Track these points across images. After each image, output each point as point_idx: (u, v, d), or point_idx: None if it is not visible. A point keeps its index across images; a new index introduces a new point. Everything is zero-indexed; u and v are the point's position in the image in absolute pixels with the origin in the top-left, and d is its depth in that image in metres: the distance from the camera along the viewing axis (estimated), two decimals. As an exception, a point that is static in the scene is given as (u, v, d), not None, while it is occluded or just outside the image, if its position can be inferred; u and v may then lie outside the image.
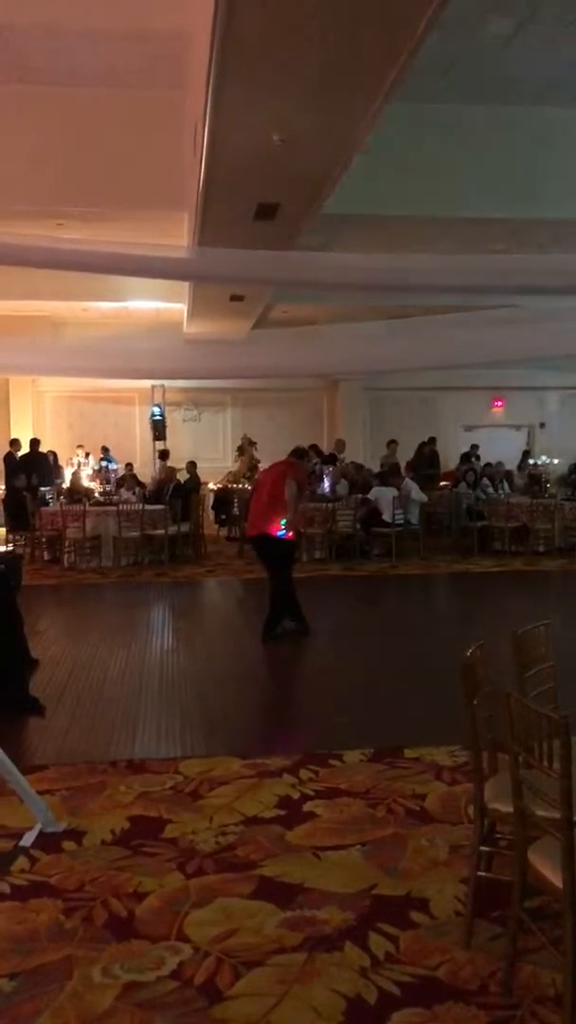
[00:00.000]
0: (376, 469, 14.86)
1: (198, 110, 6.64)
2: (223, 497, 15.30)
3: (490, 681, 3.07)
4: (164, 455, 15.78)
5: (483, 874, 3.09)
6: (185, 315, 14.13)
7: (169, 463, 15.05)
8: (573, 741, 2.36)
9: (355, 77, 5.53)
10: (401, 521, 12.43)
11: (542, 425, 19.25)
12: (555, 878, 2.42)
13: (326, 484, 13.43)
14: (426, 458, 16.22)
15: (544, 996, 2.66)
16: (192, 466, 14.67)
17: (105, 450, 16.73)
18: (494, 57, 8.16)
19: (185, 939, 2.99)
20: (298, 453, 8.42)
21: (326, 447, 18.52)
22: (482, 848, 3.06)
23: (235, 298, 12.52)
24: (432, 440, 16.73)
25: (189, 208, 9.12)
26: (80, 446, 16.85)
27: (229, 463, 17.29)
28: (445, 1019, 2.58)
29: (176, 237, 10.57)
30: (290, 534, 7.75)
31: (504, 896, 2.85)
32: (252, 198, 8.19)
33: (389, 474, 13.70)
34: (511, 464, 16.12)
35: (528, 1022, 2.56)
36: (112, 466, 15.96)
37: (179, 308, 14.28)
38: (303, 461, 8.42)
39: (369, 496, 12.74)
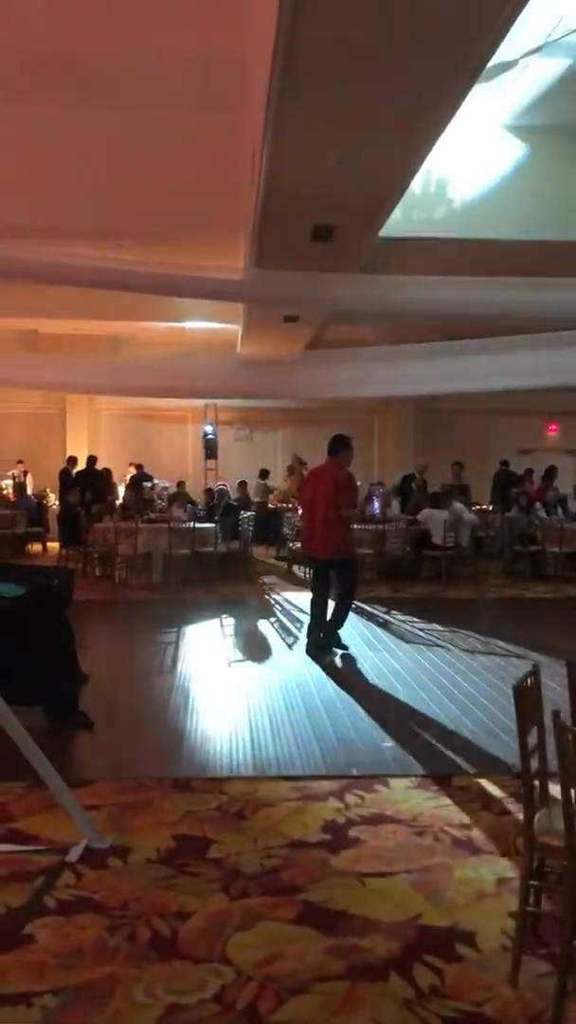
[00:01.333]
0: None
1: (256, 132, 6.71)
2: (267, 516, 15.32)
3: (543, 710, 3.02)
4: (264, 475, 16.13)
5: (532, 908, 3.03)
6: (239, 335, 14.26)
7: (220, 483, 15.15)
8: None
9: (416, 100, 5.54)
10: (452, 544, 12.33)
11: (599, 449, 18.97)
12: (608, 917, 2.36)
13: (376, 506, 13.39)
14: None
15: (594, 1038, 2.59)
16: (243, 485, 14.76)
17: (139, 467, 16.77)
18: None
19: (228, 962, 2.98)
20: (338, 444, 8.08)
21: (376, 468, 18.55)
22: (531, 882, 2.99)
23: (289, 319, 12.60)
24: (459, 464, 16.37)
25: (246, 230, 9.21)
26: (132, 464, 17.04)
27: (279, 482, 17.35)
28: (491, 1057, 2.52)
29: (233, 258, 10.69)
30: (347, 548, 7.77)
31: (553, 932, 2.79)
32: (309, 220, 8.25)
33: (442, 496, 13.60)
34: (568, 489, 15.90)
35: (577, 1065, 2.49)
36: (147, 484, 15.98)
37: (234, 328, 14.41)
38: (344, 455, 8.08)
39: (418, 518, 12.67)
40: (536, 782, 3.04)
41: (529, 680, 3.06)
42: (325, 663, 7.47)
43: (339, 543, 7.72)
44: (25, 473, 16.63)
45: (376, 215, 7.91)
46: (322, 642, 7.67)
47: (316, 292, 8.33)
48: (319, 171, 6.85)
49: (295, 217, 8.10)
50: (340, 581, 7.83)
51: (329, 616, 7.80)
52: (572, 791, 2.53)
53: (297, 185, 7.18)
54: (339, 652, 7.72)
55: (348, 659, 7.62)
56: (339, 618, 7.83)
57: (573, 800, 2.54)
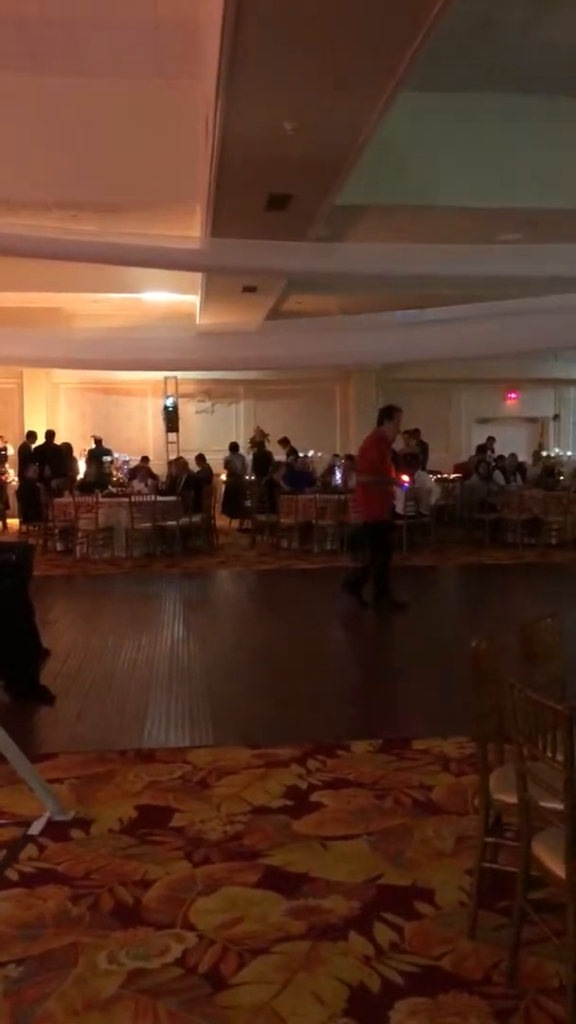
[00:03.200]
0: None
1: (209, 100, 6.62)
2: (234, 489, 15.30)
3: (498, 672, 3.06)
4: (234, 447, 16.13)
5: (488, 865, 3.09)
6: (198, 307, 14.13)
7: (182, 454, 15.08)
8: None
9: (367, 64, 5.50)
10: (413, 513, 12.41)
11: (556, 417, 19.17)
12: (559, 869, 2.41)
13: (338, 475, 13.42)
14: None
15: (548, 987, 2.66)
16: (201, 458, 14.69)
17: (98, 441, 16.62)
18: (509, 45, 8.08)
19: (191, 927, 3.01)
20: (381, 415, 8.52)
21: (338, 439, 18.57)
22: (487, 839, 3.05)
23: (248, 289, 12.52)
24: (408, 432, 16.35)
25: (201, 199, 9.11)
26: (93, 436, 16.89)
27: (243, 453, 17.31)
28: (448, 1008, 2.58)
29: (189, 228, 10.57)
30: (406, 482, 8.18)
31: (509, 887, 2.85)
32: (264, 188, 8.18)
33: (404, 464, 13.66)
34: (525, 457, 16.07)
35: (532, 1012, 2.56)
36: (107, 458, 15.86)
37: (192, 300, 14.28)
38: (386, 425, 8.46)
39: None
40: (491, 743, 3.10)
41: (483, 643, 3.10)
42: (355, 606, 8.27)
43: (365, 507, 8.34)
44: (5, 448, 16.43)
45: (331, 183, 7.87)
46: (380, 590, 8.30)
47: (273, 261, 8.25)
48: (272, 139, 6.79)
49: (250, 186, 8.02)
50: (369, 543, 8.47)
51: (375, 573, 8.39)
52: (523, 749, 2.58)
53: (251, 153, 7.11)
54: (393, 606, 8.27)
55: (313, 626, 7.68)
56: (365, 575, 8.42)
57: (524, 757, 2.59)
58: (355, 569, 8.81)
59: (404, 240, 11.27)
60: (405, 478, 8.44)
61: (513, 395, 19.60)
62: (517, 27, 7.71)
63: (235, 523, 15.15)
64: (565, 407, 19.50)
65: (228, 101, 6.18)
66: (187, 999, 2.62)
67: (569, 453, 17.28)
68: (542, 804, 2.54)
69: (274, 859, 3.49)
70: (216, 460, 16.22)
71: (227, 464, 16.36)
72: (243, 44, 5.27)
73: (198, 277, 12.38)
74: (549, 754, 2.45)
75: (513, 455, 15.35)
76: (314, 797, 4.08)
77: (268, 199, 8.44)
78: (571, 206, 9.82)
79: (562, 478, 14.91)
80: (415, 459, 14.16)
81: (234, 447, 16.82)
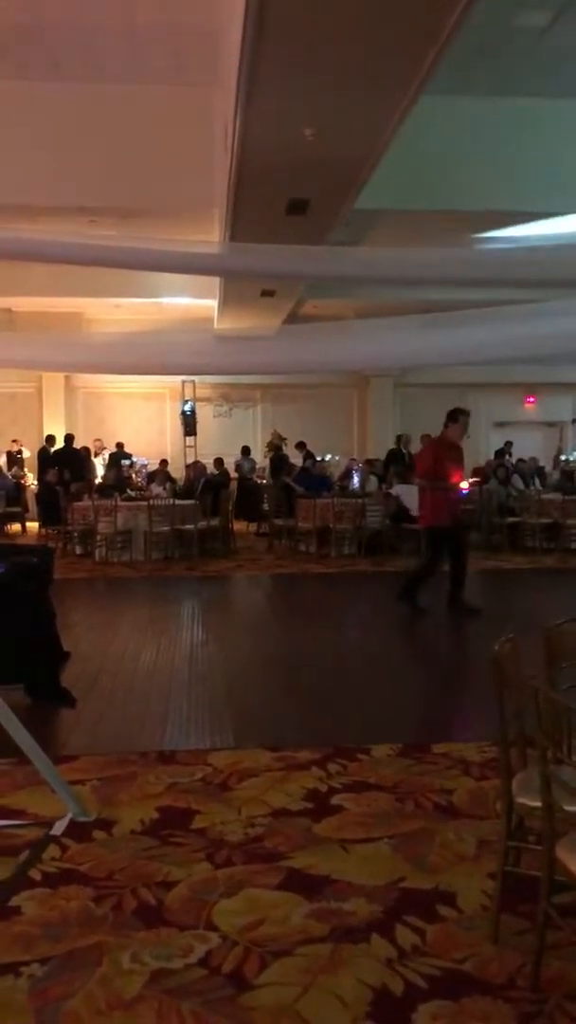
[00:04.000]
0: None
1: (229, 106, 6.66)
2: (249, 492, 15.31)
3: (520, 676, 3.06)
4: (246, 451, 16.15)
5: (511, 869, 3.08)
6: (216, 311, 14.18)
7: (199, 458, 15.13)
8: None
9: (387, 70, 5.52)
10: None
11: (574, 421, 19.08)
12: (583, 873, 2.41)
13: (355, 480, 13.43)
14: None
15: (573, 992, 2.65)
16: (219, 462, 14.72)
17: (119, 446, 16.69)
18: (527, 50, 8.09)
19: (213, 928, 3.02)
20: (447, 416, 8.31)
21: (356, 443, 18.57)
22: (509, 843, 3.05)
23: (266, 293, 12.56)
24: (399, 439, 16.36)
25: (220, 204, 9.15)
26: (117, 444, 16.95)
27: (260, 458, 17.33)
28: (472, 1012, 2.58)
29: (208, 233, 10.61)
30: (465, 488, 8.03)
31: (532, 891, 2.84)
32: (283, 193, 8.21)
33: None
34: (545, 461, 16.01)
35: (556, 1017, 2.55)
36: (125, 462, 15.91)
37: (210, 304, 14.33)
38: (451, 427, 8.26)
39: (392, 492, 12.72)
40: (513, 747, 3.09)
41: (505, 646, 3.10)
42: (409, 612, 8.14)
43: (425, 511, 8.26)
44: (20, 451, 16.54)
45: (350, 188, 7.89)
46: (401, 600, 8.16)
47: (291, 266, 8.27)
48: (292, 145, 6.82)
49: (269, 191, 8.06)
50: (426, 547, 8.41)
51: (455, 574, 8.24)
52: (547, 752, 2.57)
53: (270, 159, 7.15)
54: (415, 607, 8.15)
55: (331, 629, 7.68)
56: (415, 579, 8.28)
57: (548, 760, 2.58)
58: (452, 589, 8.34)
59: (423, 244, 11.29)
60: (465, 485, 8.18)
61: (531, 399, 19.53)
62: (540, 31, 7.71)
63: (252, 527, 15.17)
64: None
65: (247, 107, 6.22)
66: (211, 999, 2.62)
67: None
68: (566, 808, 2.54)
69: (295, 861, 3.49)
70: (233, 464, 16.29)
71: (237, 467, 16.41)
72: (263, 51, 5.31)
73: (216, 281, 12.43)
74: (574, 758, 2.45)
75: (533, 459, 15.30)
76: (335, 800, 4.08)
77: (288, 204, 8.47)
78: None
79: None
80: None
81: (245, 451, 16.85)
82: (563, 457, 17.01)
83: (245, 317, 14.04)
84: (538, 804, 2.72)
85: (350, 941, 2.94)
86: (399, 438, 16.01)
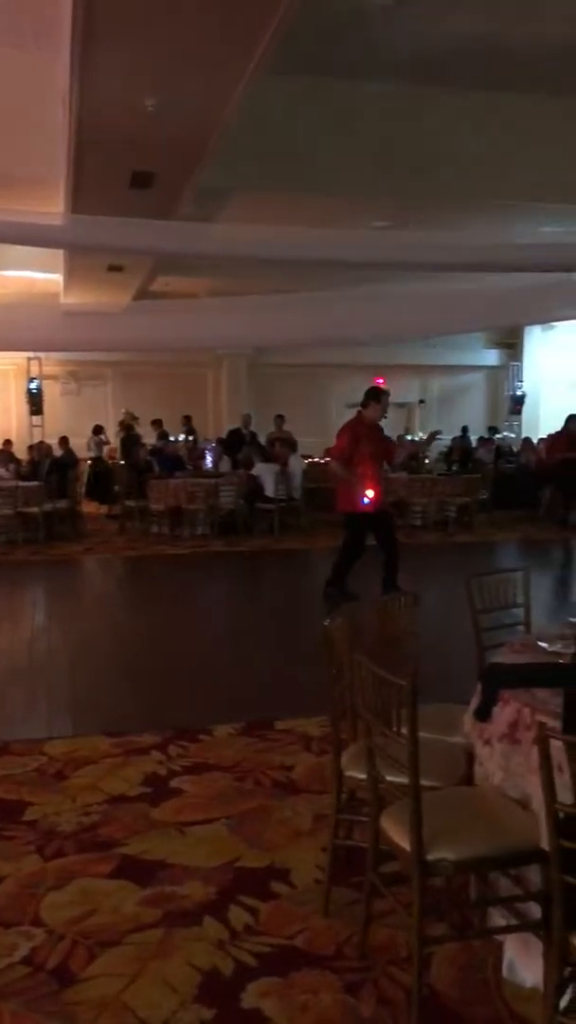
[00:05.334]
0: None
1: (64, 74, 6.39)
2: (102, 473, 14.95)
3: (349, 651, 3.09)
4: (98, 430, 15.68)
5: (342, 842, 3.13)
6: (62, 285, 13.70)
7: (47, 438, 14.64)
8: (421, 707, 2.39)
9: (226, 40, 5.42)
10: (284, 497, 12.48)
11: (421, 402, 19.62)
12: (404, 842, 2.45)
13: (209, 460, 13.36)
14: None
15: (397, 957, 2.71)
16: (65, 441, 14.29)
17: None
18: (378, 33, 8.13)
19: (40, 923, 2.92)
20: (367, 397, 7.77)
21: (211, 421, 18.47)
22: (341, 816, 3.09)
23: (113, 268, 12.22)
24: (281, 416, 16.28)
25: (63, 175, 8.81)
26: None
27: (111, 436, 16.93)
28: (300, 986, 2.60)
29: (53, 205, 10.20)
30: (368, 504, 7.57)
31: (363, 863, 2.89)
32: (126, 166, 7.97)
33: (281, 448, 13.70)
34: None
35: (381, 983, 2.61)
36: None
37: (56, 278, 13.83)
38: (368, 408, 7.70)
39: (253, 472, 12.73)
40: (344, 720, 3.13)
41: (336, 622, 3.12)
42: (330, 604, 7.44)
43: (341, 496, 7.82)
44: None
45: (195, 162, 7.74)
46: (330, 588, 7.79)
47: (137, 240, 8.09)
48: (133, 115, 6.61)
49: (112, 162, 7.81)
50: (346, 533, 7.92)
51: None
52: (371, 725, 2.60)
53: (111, 129, 6.91)
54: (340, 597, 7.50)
55: (180, 612, 7.58)
56: (337, 567, 7.92)
57: (373, 733, 2.62)
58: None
59: (275, 223, 11.28)
60: (370, 494, 7.58)
61: (380, 380, 19.94)
62: (386, 14, 7.77)
63: (104, 509, 14.83)
64: (430, 393, 20.01)
65: (84, 75, 5.98)
66: (32, 998, 2.53)
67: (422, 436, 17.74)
68: (389, 779, 2.59)
69: (130, 848, 3.43)
70: (84, 443, 15.83)
71: (89, 447, 16.01)
72: (97, 16, 5.10)
73: (60, 254, 11.99)
74: (395, 729, 2.49)
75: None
76: (174, 783, 4.04)
77: (131, 177, 8.24)
78: (439, 195, 10.03)
79: (427, 461, 15.30)
80: (291, 444, 14.25)
81: (97, 429, 16.44)
82: (409, 437, 17.47)
83: (93, 292, 13.62)
84: (364, 776, 2.76)
85: (182, 925, 2.91)
86: (246, 417, 15.95)
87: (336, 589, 7.85)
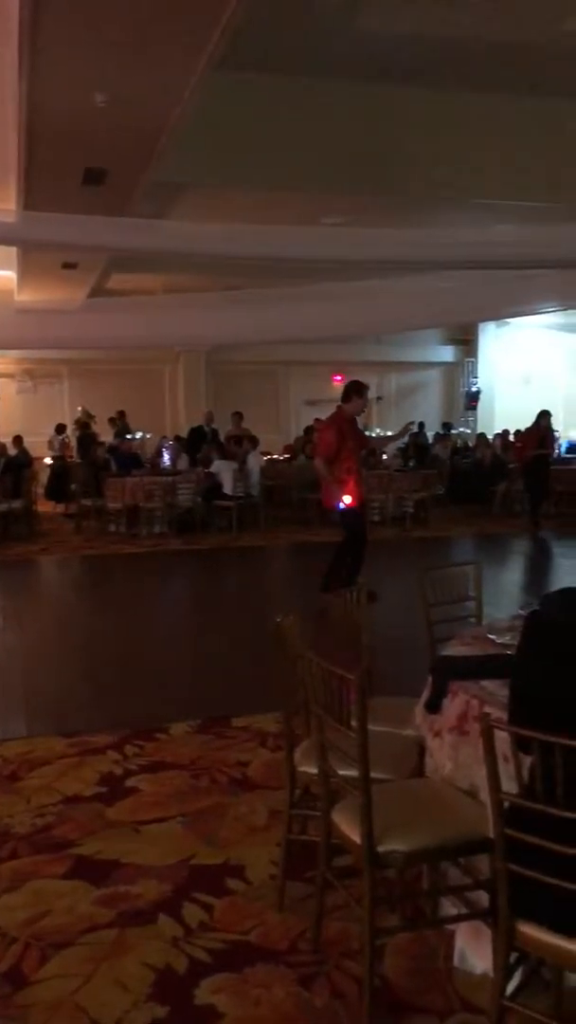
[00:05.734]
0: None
1: (14, 66, 6.31)
2: (61, 472, 14.82)
3: (300, 646, 3.10)
4: (60, 429, 15.50)
5: (296, 837, 3.14)
6: (15, 283, 13.54)
7: (3, 437, 14.44)
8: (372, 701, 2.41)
9: (176, 35, 5.39)
10: (242, 494, 12.48)
11: (379, 399, 19.73)
12: (355, 835, 2.48)
13: (166, 458, 13.31)
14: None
15: (350, 949, 2.74)
16: (19, 440, 14.13)
17: None
18: (330, 29, 8.15)
19: (-8, 926, 2.89)
20: (349, 391, 7.63)
21: (168, 419, 18.38)
22: (294, 812, 3.10)
23: (67, 266, 12.11)
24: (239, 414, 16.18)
25: (14, 171, 8.70)
26: None
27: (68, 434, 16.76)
28: (254, 980, 2.61)
29: (5, 202, 10.08)
30: (351, 503, 7.40)
31: (316, 857, 2.91)
32: (79, 162, 7.91)
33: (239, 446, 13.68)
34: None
35: (333, 975, 2.63)
36: None
37: (9, 276, 13.67)
38: (351, 403, 7.58)
39: (211, 470, 12.71)
40: (297, 715, 3.14)
41: (288, 618, 3.14)
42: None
43: (329, 494, 7.62)
44: None
45: (147, 158, 7.70)
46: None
47: (89, 236, 8.01)
48: (84, 111, 6.56)
49: (64, 159, 7.74)
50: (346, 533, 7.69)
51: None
52: (322, 720, 2.62)
53: (62, 125, 6.86)
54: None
55: (137, 611, 7.55)
56: (331, 567, 7.62)
57: (323, 728, 2.63)
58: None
59: (229, 220, 11.25)
60: (348, 499, 7.41)
61: (338, 377, 20.01)
62: (339, 12, 7.80)
63: (61, 508, 14.70)
64: (387, 389, 20.13)
65: (32, 70, 5.92)
66: (-17, 1001, 2.51)
67: (390, 433, 17.84)
68: (340, 773, 2.60)
69: (84, 848, 3.41)
70: (42, 442, 15.67)
71: (52, 446, 15.86)
72: (43, 10, 5.05)
73: (13, 251, 11.85)
74: (346, 724, 2.51)
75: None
76: (130, 782, 4.03)
77: (84, 173, 8.17)
78: (388, 192, 10.09)
79: (385, 457, 15.38)
80: (253, 440, 14.25)
81: (60, 428, 16.30)
82: (368, 434, 17.55)
83: (47, 290, 13.48)
84: (316, 771, 2.78)
85: (136, 924, 2.91)
86: (208, 415, 15.91)
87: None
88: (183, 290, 13.62)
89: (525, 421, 13.74)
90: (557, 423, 16.39)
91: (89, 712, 5.04)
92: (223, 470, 12.53)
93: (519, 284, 8.07)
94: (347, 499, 7.47)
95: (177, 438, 15.30)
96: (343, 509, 7.53)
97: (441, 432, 17.48)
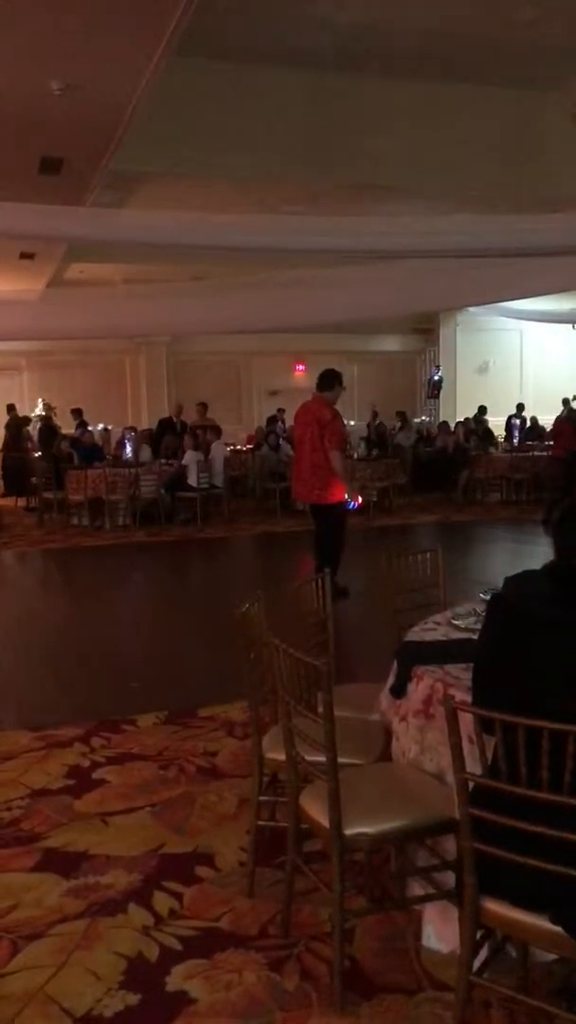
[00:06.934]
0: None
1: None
2: (17, 465, 14.64)
3: (266, 634, 3.12)
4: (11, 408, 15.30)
5: (266, 823, 3.17)
6: (-28, 273, 13.36)
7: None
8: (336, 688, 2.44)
9: (133, 22, 5.35)
10: (206, 485, 12.45)
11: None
12: (323, 820, 2.50)
13: (128, 449, 13.23)
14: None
15: (320, 933, 2.77)
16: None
17: None
18: (292, 22, 8.13)
19: (-39, 921, 2.88)
20: (331, 379, 7.33)
21: (130, 410, 18.26)
22: (263, 798, 3.12)
23: (25, 256, 11.98)
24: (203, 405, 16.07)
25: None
26: None
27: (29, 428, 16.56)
28: (225, 966, 2.63)
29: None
30: (359, 503, 7.21)
31: (285, 843, 2.93)
32: (35, 150, 7.82)
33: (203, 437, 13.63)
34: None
35: (304, 958, 2.66)
36: None
37: (-35, 266, 13.47)
38: (334, 391, 7.30)
39: (184, 461, 12.64)
40: (264, 703, 3.16)
41: (252, 607, 3.15)
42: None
43: (325, 488, 7.14)
44: None
45: (104, 147, 7.63)
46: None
47: (45, 226, 7.92)
48: (40, 98, 6.49)
49: (20, 147, 7.65)
50: (326, 527, 7.26)
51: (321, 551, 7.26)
52: (289, 706, 2.64)
53: (17, 112, 6.77)
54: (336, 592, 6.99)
55: (101, 604, 7.51)
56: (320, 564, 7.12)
57: (291, 714, 2.66)
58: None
59: (188, 209, 11.18)
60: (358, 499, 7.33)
61: (300, 367, 20.01)
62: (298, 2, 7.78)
63: (22, 502, 14.55)
64: (349, 378, 20.16)
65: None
66: (-46, 996, 2.50)
67: (353, 423, 17.89)
68: (307, 759, 2.63)
69: (53, 841, 3.41)
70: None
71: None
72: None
73: (-30, 242, 11.68)
74: (313, 710, 2.53)
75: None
76: (97, 775, 4.02)
77: (40, 162, 8.08)
78: (345, 182, 10.10)
79: (348, 446, 15.43)
80: (216, 430, 14.22)
81: (24, 420, 16.07)
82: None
83: (5, 280, 13.32)
84: (283, 757, 2.80)
85: (107, 914, 2.91)
86: (178, 406, 15.83)
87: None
88: (145, 281, 13.51)
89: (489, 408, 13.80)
90: (527, 411, 16.60)
91: (55, 705, 5.01)
92: (191, 461, 12.49)
93: (484, 272, 8.13)
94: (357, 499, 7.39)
95: (148, 431, 15.19)
96: (339, 503, 7.18)
97: (400, 423, 17.56)
